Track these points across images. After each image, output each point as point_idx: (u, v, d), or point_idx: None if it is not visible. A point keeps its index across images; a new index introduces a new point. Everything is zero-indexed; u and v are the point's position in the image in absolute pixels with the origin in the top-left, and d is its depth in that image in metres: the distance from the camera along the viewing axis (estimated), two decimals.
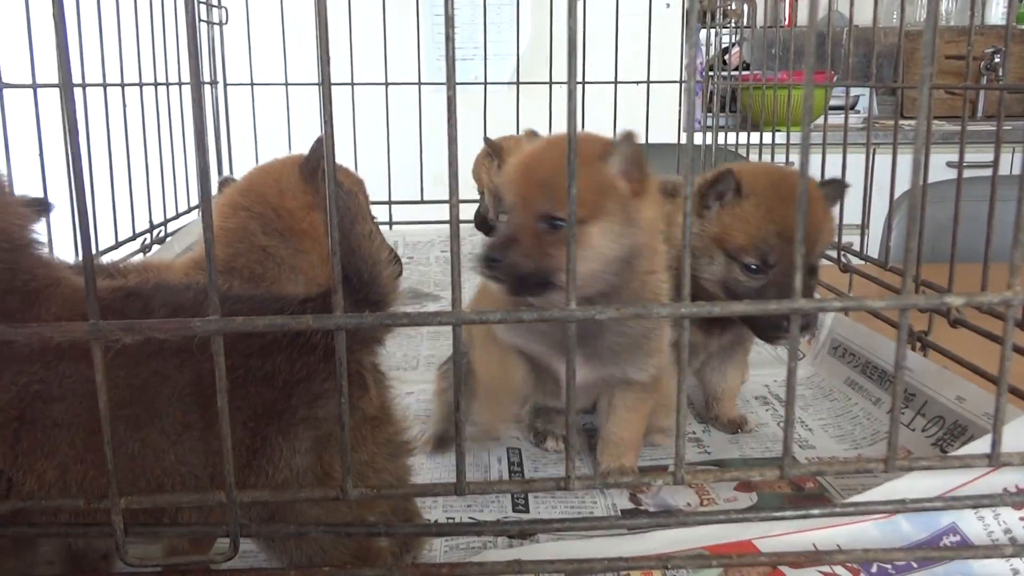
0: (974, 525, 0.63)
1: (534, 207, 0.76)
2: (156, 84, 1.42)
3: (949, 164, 2.73)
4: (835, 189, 0.97)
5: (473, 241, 1.50)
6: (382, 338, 0.62)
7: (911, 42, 3.69)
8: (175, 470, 0.55)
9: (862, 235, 1.17)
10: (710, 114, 2.84)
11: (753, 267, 0.90)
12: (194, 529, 0.57)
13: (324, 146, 0.50)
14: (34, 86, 1.00)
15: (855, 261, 1.22)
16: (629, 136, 0.77)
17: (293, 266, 0.84)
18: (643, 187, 0.79)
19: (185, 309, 0.57)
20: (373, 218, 0.63)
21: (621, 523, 0.75)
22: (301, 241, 0.85)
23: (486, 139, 1.56)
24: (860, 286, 1.19)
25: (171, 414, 0.55)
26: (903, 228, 1.42)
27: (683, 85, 2.00)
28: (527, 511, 0.85)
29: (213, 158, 1.74)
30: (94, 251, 1.09)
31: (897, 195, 1.23)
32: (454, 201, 0.51)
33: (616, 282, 0.79)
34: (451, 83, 0.50)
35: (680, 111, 2.06)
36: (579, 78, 1.68)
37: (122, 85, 1.23)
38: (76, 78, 1.12)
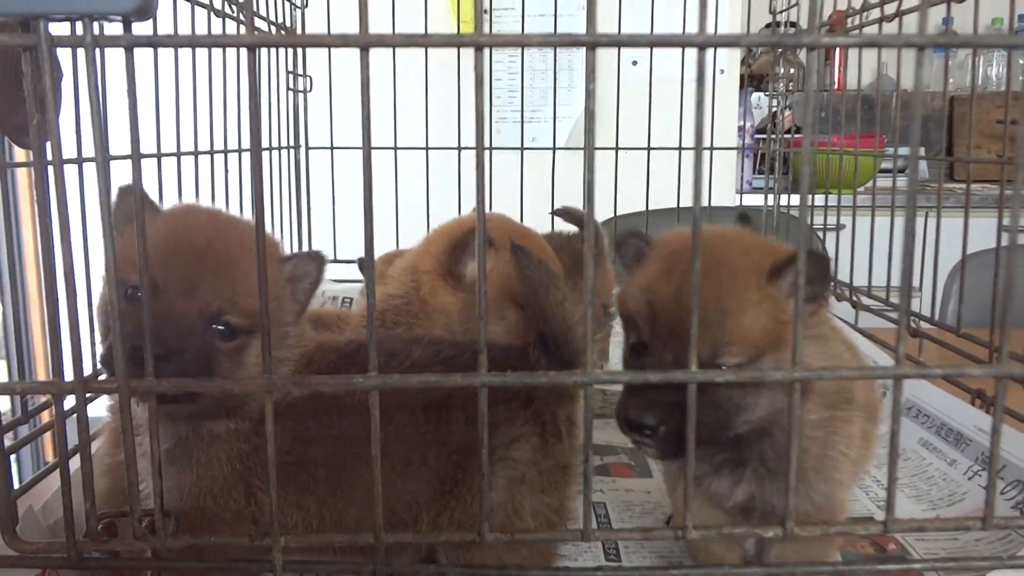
0: None
1: None
2: (267, 148, 1.51)
3: (1006, 228, 2.74)
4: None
5: None
6: (576, 393, 0.68)
7: (960, 107, 3.73)
8: (402, 498, 0.63)
9: (932, 299, 1.20)
10: (762, 176, 2.89)
11: (635, 345, 0.70)
12: (340, 567, 0.62)
13: (478, 213, 0.56)
14: (159, 155, 1.09)
15: (924, 326, 1.25)
16: None
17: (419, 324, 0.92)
18: None
19: (395, 356, 0.65)
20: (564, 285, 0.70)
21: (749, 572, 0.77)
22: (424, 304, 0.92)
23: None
24: (927, 349, 1.22)
25: (396, 450, 0.62)
26: (969, 284, 1.44)
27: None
28: (618, 559, 0.89)
29: (295, 217, 1.83)
30: None
31: (951, 260, 1.25)
32: (589, 274, 0.57)
33: None
34: (589, 166, 0.56)
35: (739, 174, 2.11)
36: (644, 144, 1.78)
37: (225, 152, 1.32)
38: (190, 146, 1.21)
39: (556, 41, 0.55)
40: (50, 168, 0.54)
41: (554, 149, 1.81)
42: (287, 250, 1.73)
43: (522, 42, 0.54)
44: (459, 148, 1.80)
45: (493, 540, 0.59)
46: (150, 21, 0.57)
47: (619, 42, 0.54)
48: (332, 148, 1.83)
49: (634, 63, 2.85)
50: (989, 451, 0.98)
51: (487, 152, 1.83)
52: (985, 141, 3.54)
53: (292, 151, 1.81)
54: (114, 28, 0.56)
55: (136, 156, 0.57)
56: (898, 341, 0.59)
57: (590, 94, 0.56)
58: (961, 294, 1.12)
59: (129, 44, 0.53)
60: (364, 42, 0.54)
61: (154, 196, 1.07)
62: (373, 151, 1.86)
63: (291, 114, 1.80)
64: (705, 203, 1.77)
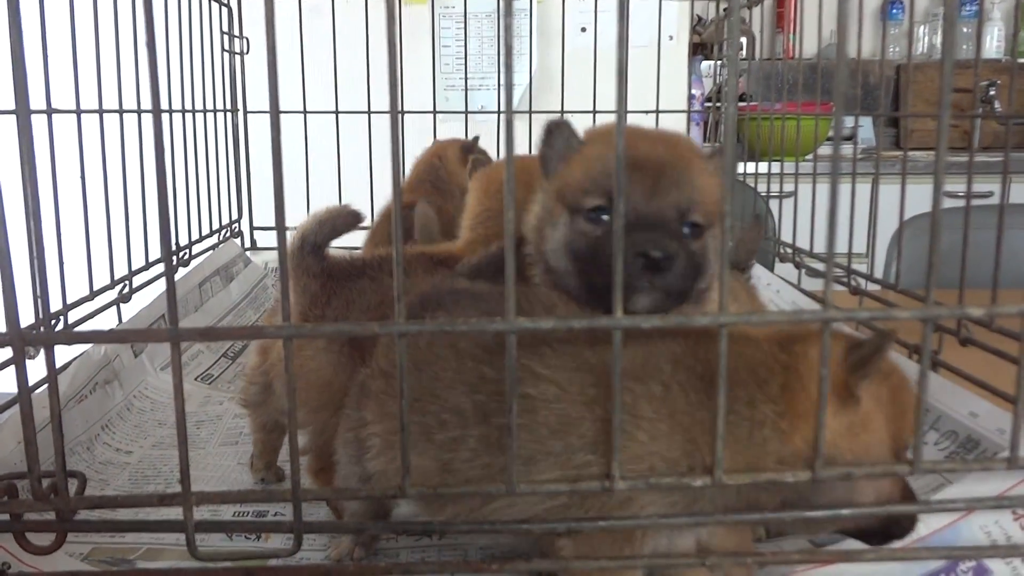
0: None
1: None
2: (183, 111, 1.47)
3: (948, 194, 2.79)
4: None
5: None
6: None
7: (907, 74, 3.78)
8: None
9: (871, 259, 1.21)
10: (709, 144, 2.90)
11: (595, 209, 0.71)
12: (256, 524, 0.60)
13: (393, 176, 0.54)
14: (78, 111, 1.04)
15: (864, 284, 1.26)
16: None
17: None
18: None
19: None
20: None
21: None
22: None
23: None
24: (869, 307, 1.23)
25: None
26: (913, 247, 1.46)
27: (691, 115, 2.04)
28: None
29: (234, 181, 1.78)
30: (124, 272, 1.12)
31: (896, 223, 1.27)
32: (509, 217, 0.55)
33: None
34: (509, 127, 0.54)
35: None
36: (589, 107, 1.76)
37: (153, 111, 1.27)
38: (113, 104, 1.16)
39: None
40: None
41: (498, 113, 1.78)
42: (222, 216, 1.68)
43: None
44: (401, 112, 1.76)
45: (415, 494, 0.58)
46: None
47: None
48: (271, 112, 1.78)
49: (583, 29, 2.83)
50: (924, 404, 1.00)
51: (434, 117, 1.78)
52: (930, 108, 3.59)
53: (230, 115, 1.76)
54: None
55: (24, 112, 0.53)
56: (826, 285, 0.58)
57: (508, 28, 0.54)
58: (899, 253, 1.12)
59: None
60: None
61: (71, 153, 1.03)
62: (313, 115, 1.80)
63: (228, 76, 1.75)
64: None
